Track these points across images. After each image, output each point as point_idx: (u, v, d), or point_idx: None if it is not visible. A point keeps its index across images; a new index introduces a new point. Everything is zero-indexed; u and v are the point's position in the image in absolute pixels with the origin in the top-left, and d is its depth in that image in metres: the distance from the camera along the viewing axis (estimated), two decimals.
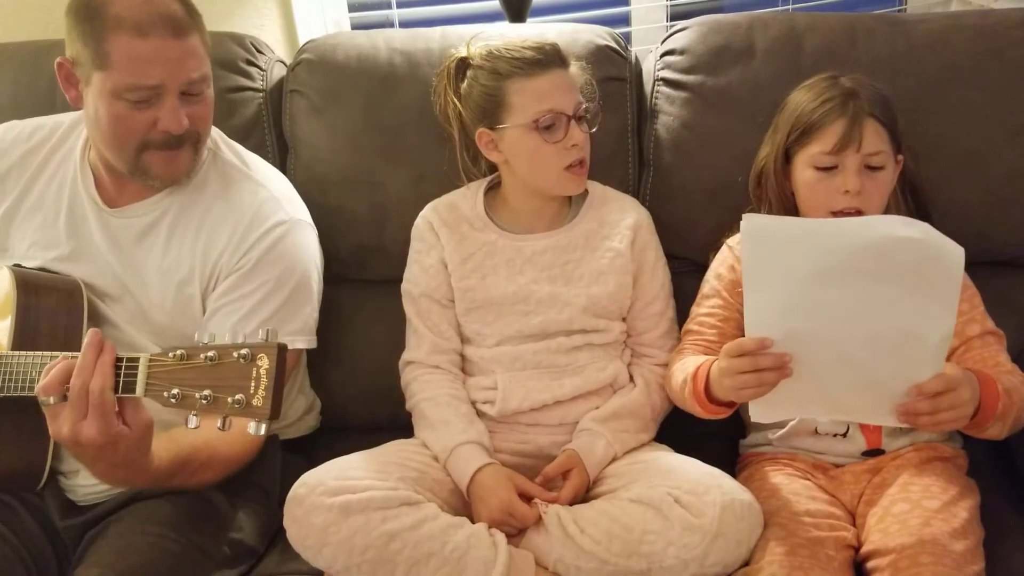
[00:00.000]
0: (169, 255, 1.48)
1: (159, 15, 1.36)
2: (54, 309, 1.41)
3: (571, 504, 1.38)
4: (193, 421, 1.10)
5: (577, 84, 1.52)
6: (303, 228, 1.56)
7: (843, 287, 1.17)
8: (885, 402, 1.23)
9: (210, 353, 1.09)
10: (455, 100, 1.53)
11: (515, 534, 1.35)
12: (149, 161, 1.43)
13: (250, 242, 1.47)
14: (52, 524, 1.45)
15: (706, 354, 1.47)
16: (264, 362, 1.07)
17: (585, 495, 1.42)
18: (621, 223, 1.55)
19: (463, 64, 1.53)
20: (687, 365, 1.43)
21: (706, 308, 1.52)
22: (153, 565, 1.32)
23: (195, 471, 1.35)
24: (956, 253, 1.15)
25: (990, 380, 1.26)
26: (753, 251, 1.21)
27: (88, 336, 1.15)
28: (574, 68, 1.52)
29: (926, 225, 1.16)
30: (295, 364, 1.60)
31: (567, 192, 1.56)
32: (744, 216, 1.20)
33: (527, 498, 1.38)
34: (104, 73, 1.36)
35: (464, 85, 1.52)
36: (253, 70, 1.79)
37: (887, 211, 1.45)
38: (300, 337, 1.52)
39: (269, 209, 1.51)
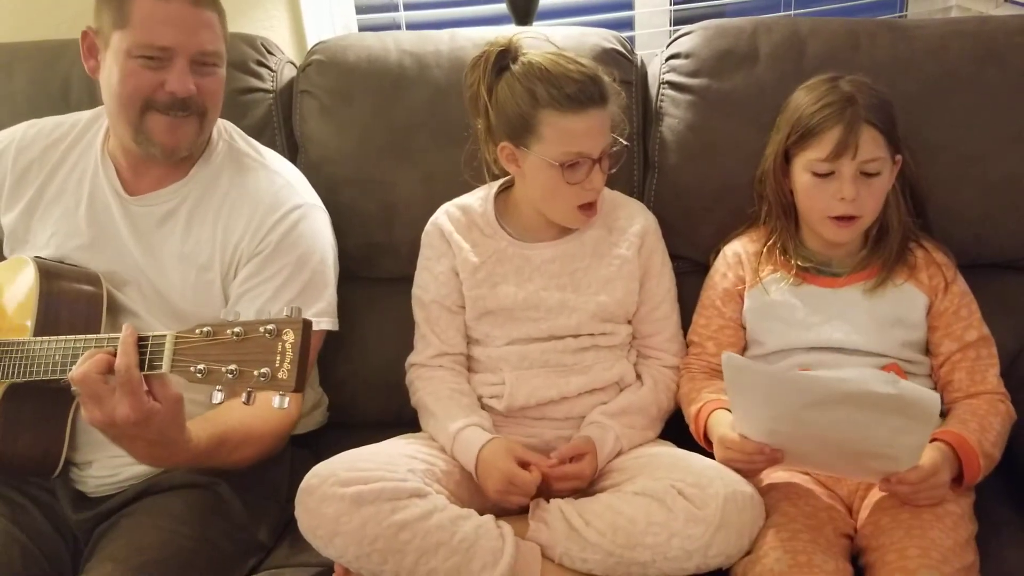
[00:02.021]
0: (189, 241, 1.50)
1: None
2: (75, 298, 1.44)
3: (574, 487, 1.41)
4: (218, 396, 1.12)
5: (610, 124, 1.47)
6: (319, 212, 1.59)
7: (823, 414, 1.22)
8: (870, 472, 1.32)
9: (236, 329, 1.12)
10: (486, 96, 1.48)
11: (524, 499, 1.37)
12: (151, 125, 1.45)
13: (268, 226, 1.50)
14: (63, 520, 1.46)
15: (708, 373, 1.53)
16: (290, 336, 1.09)
17: (589, 489, 1.44)
18: (629, 230, 1.56)
19: (502, 58, 1.47)
20: (692, 396, 1.49)
21: (703, 319, 1.57)
22: (165, 561, 1.34)
23: (234, 448, 1.36)
24: (931, 400, 1.19)
25: (972, 454, 1.31)
26: (733, 384, 1.27)
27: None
28: (611, 104, 1.46)
29: (901, 380, 1.20)
30: (319, 346, 1.60)
31: (571, 226, 1.54)
32: (724, 355, 1.26)
33: (527, 467, 1.39)
34: (122, 32, 1.41)
35: (499, 87, 1.47)
36: (263, 71, 1.81)
37: (887, 210, 1.48)
38: (324, 318, 1.54)
39: (286, 195, 1.54)
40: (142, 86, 1.43)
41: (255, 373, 1.10)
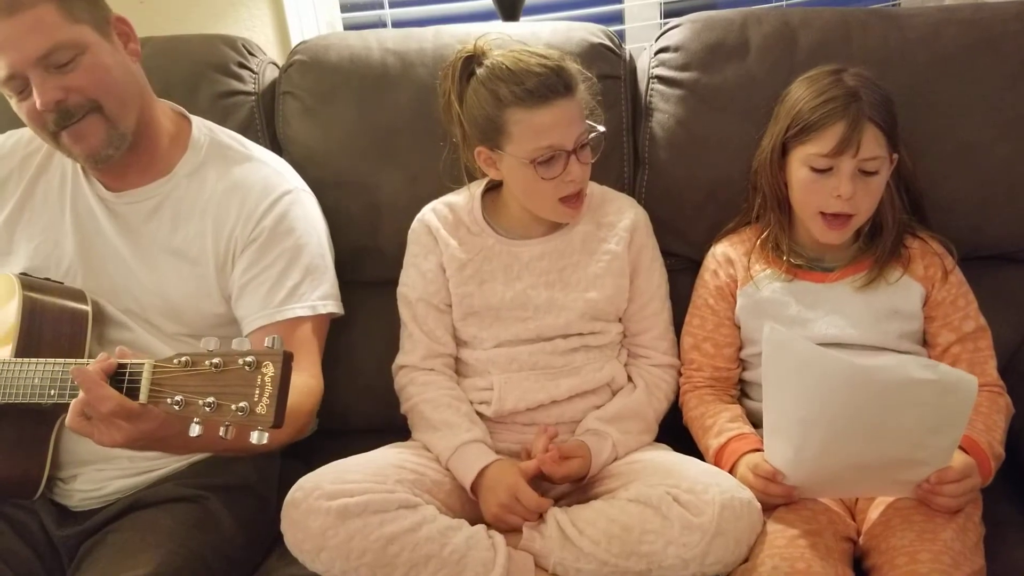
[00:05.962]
0: (177, 236, 1.49)
1: None
2: (58, 316, 1.41)
3: (563, 486, 1.39)
4: (196, 430, 1.09)
5: (581, 112, 1.45)
6: (308, 197, 1.58)
7: (857, 411, 1.20)
8: (898, 485, 1.30)
9: (215, 360, 1.09)
10: (457, 105, 1.47)
11: (523, 521, 1.34)
12: (65, 141, 1.42)
13: (260, 212, 1.48)
14: (40, 539, 1.44)
15: (713, 386, 1.50)
16: (269, 369, 1.06)
17: (583, 495, 1.41)
18: (618, 225, 1.54)
19: (468, 64, 1.46)
20: (707, 424, 1.45)
21: (697, 319, 1.55)
22: None
23: None
24: (970, 383, 1.17)
25: (982, 456, 1.31)
26: (773, 361, 1.24)
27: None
28: (580, 92, 1.44)
29: (940, 365, 1.19)
30: (325, 331, 1.57)
31: (561, 220, 1.52)
32: (766, 327, 1.23)
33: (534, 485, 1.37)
34: None
35: (467, 93, 1.45)
36: (245, 72, 1.78)
37: (881, 207, 1.45)
38: (330, 301, 1.52)
39: (275, 181, 1.53)
40: (29, 114, 1.40)
41: (232, 407, 1.07)
